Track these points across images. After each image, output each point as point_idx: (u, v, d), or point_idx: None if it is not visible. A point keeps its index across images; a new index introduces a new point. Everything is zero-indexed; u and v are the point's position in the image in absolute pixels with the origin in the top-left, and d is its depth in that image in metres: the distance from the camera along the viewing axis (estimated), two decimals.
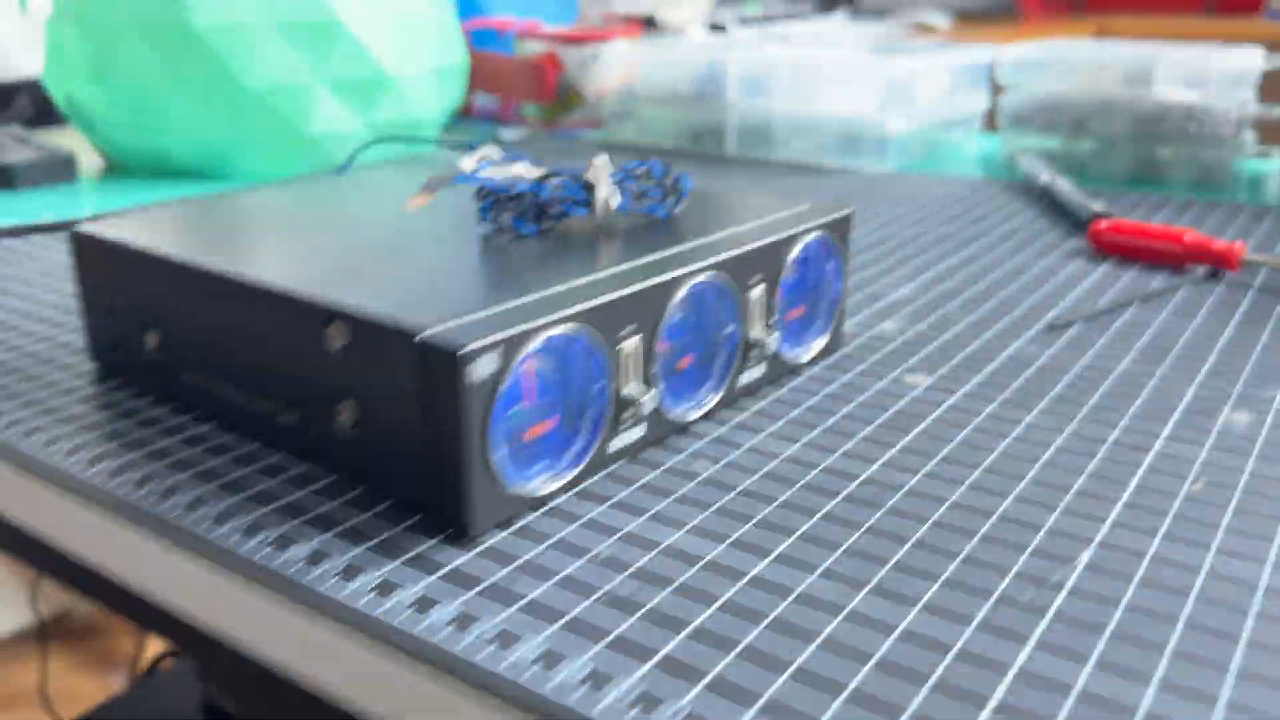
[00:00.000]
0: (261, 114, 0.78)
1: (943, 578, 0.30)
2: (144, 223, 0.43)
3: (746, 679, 0.26)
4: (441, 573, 0.30)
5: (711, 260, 0.38)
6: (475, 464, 0.31)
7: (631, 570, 0.30)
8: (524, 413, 0.33)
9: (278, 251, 0.39)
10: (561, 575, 0.30)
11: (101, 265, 0.42)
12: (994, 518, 0.33)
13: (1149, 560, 0.31)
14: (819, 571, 0.30)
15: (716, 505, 0.34)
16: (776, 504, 0.34)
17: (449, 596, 0.29)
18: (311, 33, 0.78)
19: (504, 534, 0.32)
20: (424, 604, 0.29)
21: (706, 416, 0.40)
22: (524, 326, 0.31)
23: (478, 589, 0.29)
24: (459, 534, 0.32)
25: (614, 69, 0.93)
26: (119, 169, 0.85)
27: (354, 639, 0.28)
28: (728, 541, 0.32)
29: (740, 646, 0.27)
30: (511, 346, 0.31)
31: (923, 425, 0.39)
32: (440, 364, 0.30)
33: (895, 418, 0.40)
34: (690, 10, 1.58)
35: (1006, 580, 0.30)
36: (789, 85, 0.85)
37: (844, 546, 0.31)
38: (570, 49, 0.95)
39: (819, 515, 0.33)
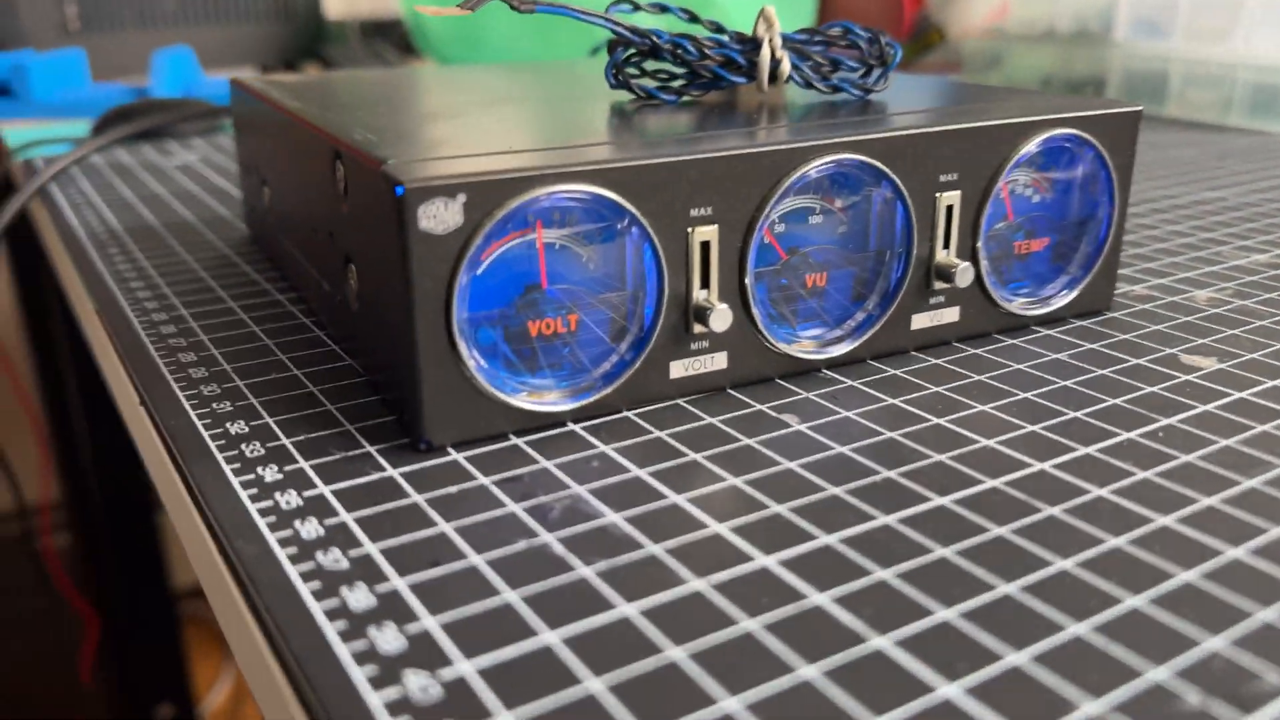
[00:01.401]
0: (576, 31, 0.74)
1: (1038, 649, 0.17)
2: (288, 77, 0.39)
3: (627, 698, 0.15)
4: (341, 485, 0.22)
5: (860, 136, 0.26)
6: (430, 348, 0.23)
7: (559, 535, 0.20)
8: (536, 300, 0.24)
9: (365, 108, 0.33)
10: (478, 520, 0.21)
11: (246, 113, 0.39)
12: (1185, 574, 0.19)
13: None
14: (814, 601, 0.19)
15: (752, 477, 0.23)
16: (823, 495, 0.22)
17: (323, 514, 0.21)
18: None
19: (467, 453, 0.24)
20: (294, 515, 0.21)
21: (847, 360, 0.28)
22: (503, 173, 0.22)
23: (361, 513, 0.21)
24: (415, 443, 0.24)
25: (983, 4, 0.78)
26: None
27: (195, 520, 0.22)
28: (708, 529, 0.21)
29: (626, 671, 0.17)
30: (483, 195, 0.22)
31: (1167, 420, 0.25)
32: (393, 206, 0.22)
33: (1132, 406, 0.26)
34: None
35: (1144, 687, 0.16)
36: (1195, 24, 0.66)
37: (873, 575, 0.19)
38: None
39: (879, 522, 0.21)
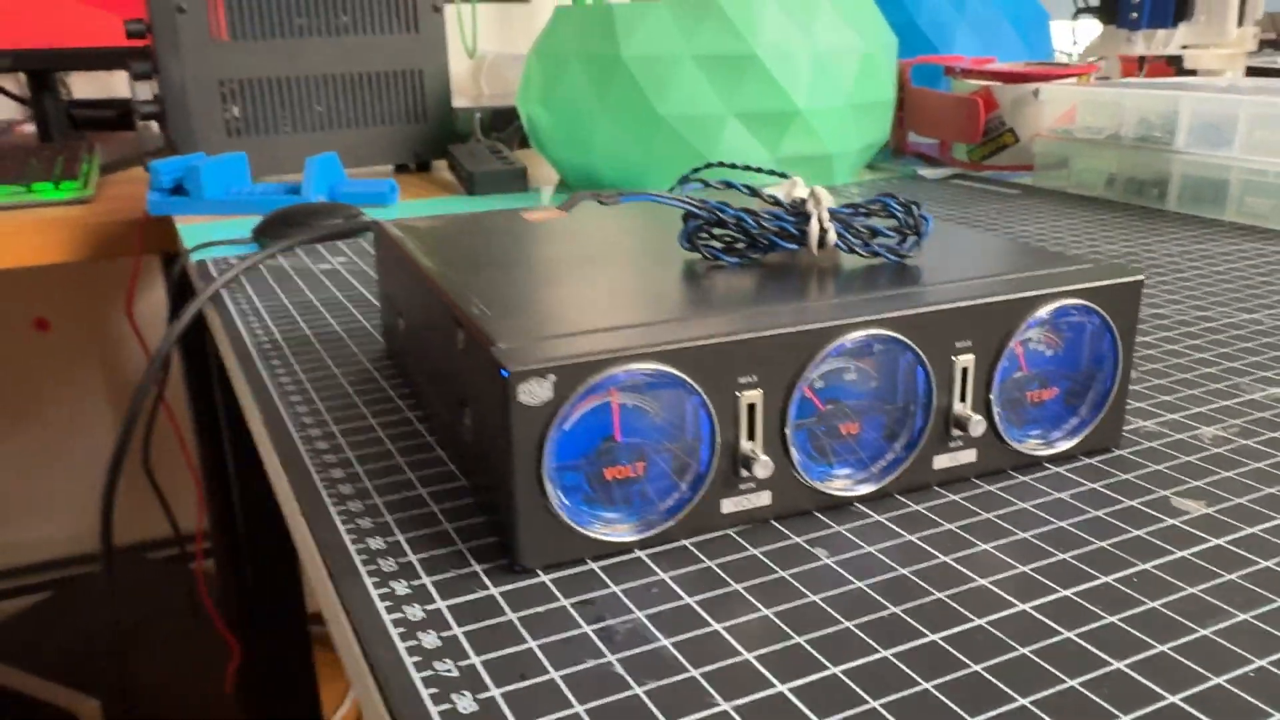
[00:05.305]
0: (672, 139, 0.79)
1: None
2: (422, 222, 0.45)
3: None
4: (454, 601, 0.27)
5: (883, 315, 0.30)
6: (525, 493, 0.28)
7: (620, 656, 0.25)
8: (611, 449, 0.29)
9: (475, 262, 0.39)
10: (557, 639, 0.26)
11: (386, 253, 0.45)
12: (1124, 717, 0.22)
13: None
14: None
15: (780, 609, 0.27)
16: (837, 628, 0.26)
17: (440, 627, 0.26)
18: (726, 65, 0.78)
19: (552, 575, 0.28)
20: (418, 626, 0.26)
21: (877, 495, 0.32)
22: (586, 356, 0.27)
23: (469, 627, 0.26)
24: (511, 565, 0.29)
25: (1052, 110, 0.81)
26: (565, 183, 0.92)
27: (344, 624, 0.27)
28: (739, 657, 0.25)
29: None
30: (569, 375, 0.27)
31: (1143, 566, 0.28)
32: (499, 380, 0.27)
33: (1116, 550, 0.29)
34: (1229, 53, 1.34)
35: None
36: (1254, 133, 0.68)
37: (876, 701, 0.23)
38: (1008, 88, 0.84)
39: (878, 655, 0.25)
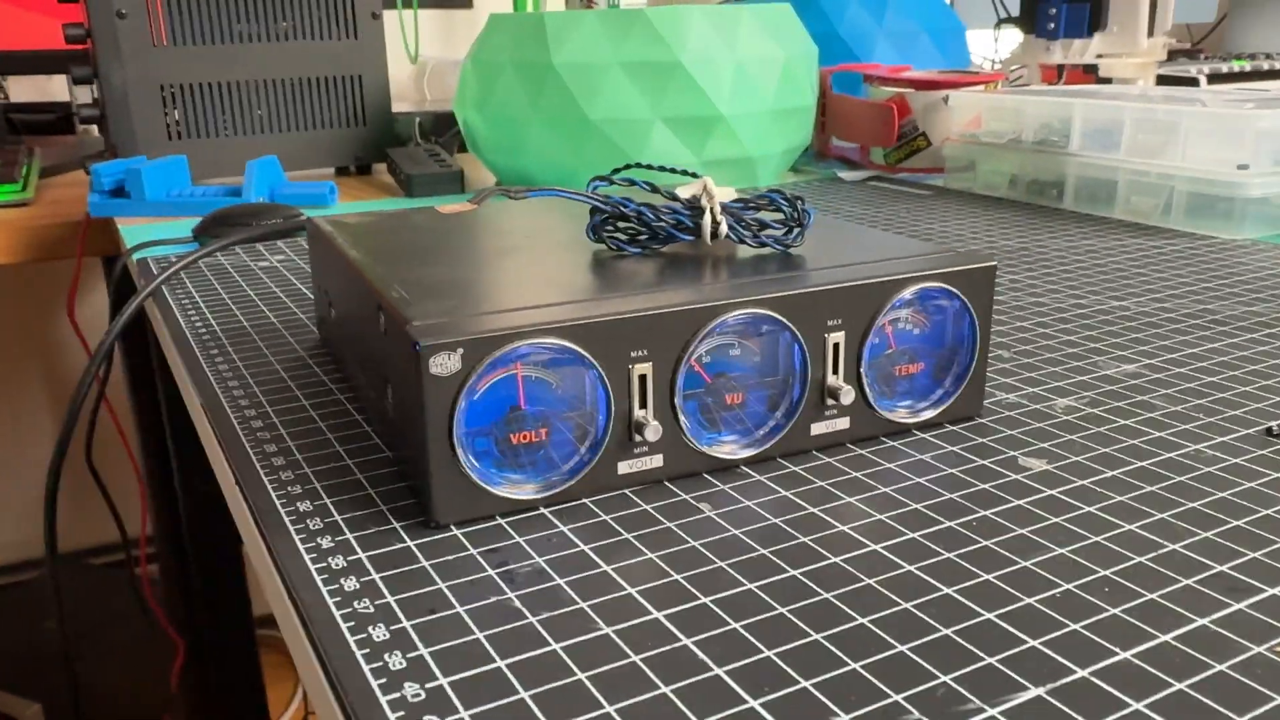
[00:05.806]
0: (601, 142, 0.83)
1: None
2: (352, 218, 0.48)
3: None
4: (374, 553, 0.30)
5: (759, 296, 0.34)
6: (438, 455, 0.31)
7: (519, 594, 0.28)
8: (517, 417, 0.32)
9: (404, 261, 0.42)
10: (465, 580, 0.29)
11: (318, 248, 0.48)
12: (945, 630, 0.26)
13: None
14: (699, 638, 0.26)
15: (663, 553, 0.30)
16: (712, 567, 0.30)
17: (360, 574, 0.29)
18: (653, 72, 0.82)
19: (463, 530, 0.32)
20: (340, 573, 0.29)
21: (761, 459, 0.36)
22: (490, 332, 0.31)
23: (386, 573, 0.29)
24: (427, 522, 0.32)
25: (960, 115, 0.86)
26: (500, 185, 0.95)
27: (273, 575, 0.30)
28: (623, 591, 0.28)
29: None
30: (475, 348, 0.31)
31: (984, 513, 0.32)
32: (413, 354, 0.31)
33: (963, 500, 0.33)
34: (1141, 62, 1.41)
35: None
36: (1138, 137, 0.73)
37: (742, 622, 0.27)
38: (920, 95, 0.89)
39: (744, 588, 0.29)
